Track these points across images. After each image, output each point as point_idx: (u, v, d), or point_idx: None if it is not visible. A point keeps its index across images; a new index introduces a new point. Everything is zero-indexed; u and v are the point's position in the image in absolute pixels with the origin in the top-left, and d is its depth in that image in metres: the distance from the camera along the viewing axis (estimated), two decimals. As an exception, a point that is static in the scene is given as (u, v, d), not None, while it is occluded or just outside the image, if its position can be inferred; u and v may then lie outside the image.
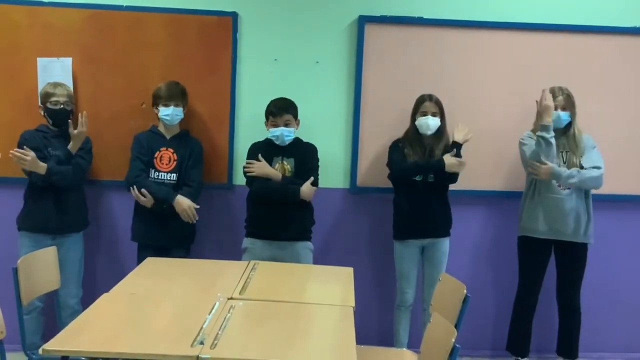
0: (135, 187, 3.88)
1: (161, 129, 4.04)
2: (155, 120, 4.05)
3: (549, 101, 3.85)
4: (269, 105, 3.91)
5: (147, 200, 3.87)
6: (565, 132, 3.98)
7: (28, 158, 3.69)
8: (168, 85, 3.97)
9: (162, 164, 3.97)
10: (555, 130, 3.90)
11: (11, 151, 3.68)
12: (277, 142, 3.88)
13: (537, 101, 3.88)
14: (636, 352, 4.55)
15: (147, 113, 4.10)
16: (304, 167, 3.93)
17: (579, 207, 3.96)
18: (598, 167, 3.94)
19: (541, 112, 3.86)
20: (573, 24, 4.26)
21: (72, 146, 3.82)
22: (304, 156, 3.96)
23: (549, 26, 4.26)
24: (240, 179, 4.20)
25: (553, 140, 3.86)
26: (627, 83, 4.33)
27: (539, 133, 3.88)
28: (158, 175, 3.96)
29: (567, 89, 3.96)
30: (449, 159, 3.91)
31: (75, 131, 3.79)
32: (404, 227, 4.06)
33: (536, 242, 4.05)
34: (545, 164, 3.86)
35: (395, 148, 4.05)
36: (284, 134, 3.86)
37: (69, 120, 3.86)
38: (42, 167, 3.74)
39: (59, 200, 3.87)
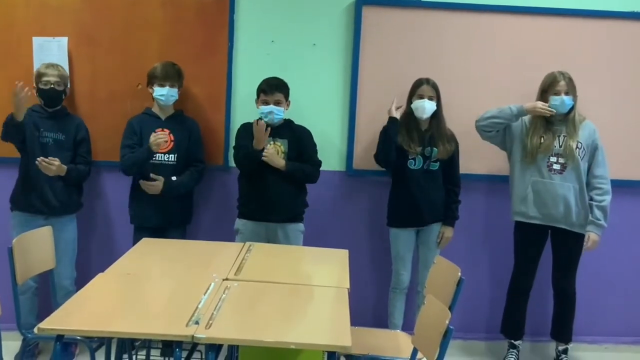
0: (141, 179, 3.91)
1: (155, 110, 4.03)
2: (150, 101, 4.04)
3: (542, 110, 3.88)
4: (261, 83, 3.90)
5: (157, 184, 3.88)
6: (565, 116, 3.98)
7: (53, 168, 3.76)
8: (164, 66, 3.95)
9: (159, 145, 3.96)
10: (556, 114, 3.93)
11: (38, 159, 3.72)
12: (265, 120, 3.86)
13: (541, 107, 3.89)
14: (628, 335, 4.58)
15: (143, 94, 4.07)
16: (303, 153, 3.92)
17: (569, 195, 3.96)
18: (606, 191, 3.98)
19: (534, 107, 3.88)
20: (573, 8, 4.25)
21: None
22: (301, 140, 3.95)
23: (549, 10, 4.24)
24: (236, 161, 4.21)
25: (502, 119, 3.94)
26: (626, 68, 4.32)
27: (514, 106, 3.92)
28: (155, 157, 3.94)
29: (567, 73, 3.95)
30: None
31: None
32: (399, 217, 4.08)
33: (531, 227, 4.05)
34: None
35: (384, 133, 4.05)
36: (274, 112, 3.84)
37: (63, 103, 3.88)
38: (64, 170, 3.82)
39: (51, 182, 3.86)
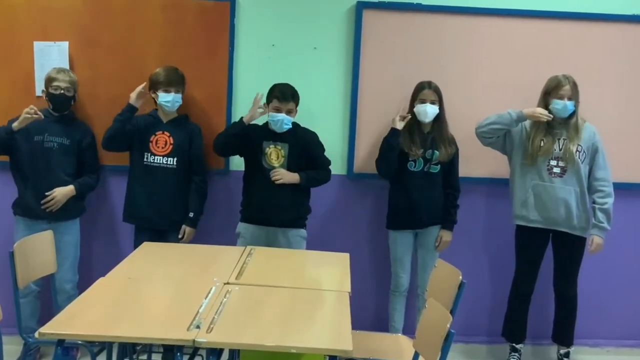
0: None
1: (160, 113, 4.03)
2: (153, 104, 4.04)
3: (541, 116, 3.86)
4: (274, 88, 3.87)
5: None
6: (566, 120, 3.97)
7: (58, 198, 3.84)
8: (167, 71, 3.95)
9: (158, 147, 3.96)
10: (557, 118, 3.93)
11: (43, 202, 3.82)
12: (274, 127, 3.86)
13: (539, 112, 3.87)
14: (630, 339, 4.58)
15: (144, 97, 4.07)
16: (312, 155, 3.93)
17: (569, 198, 3.94)
18: (608, 194, 3.95)
19: (533, 113, 3.87)
20: (573, 11, 4.25)
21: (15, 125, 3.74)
22: (307, 144, 3.95)
23: (548, 13, 4.24)
24: (236, 165, 4.21)
25: (501, 124, 3.93)
26: (627, 71, 4.32)
27: (513, 111, 3.91)
28: (154, 159, 3.96)
29: (572, 77, 3.93)
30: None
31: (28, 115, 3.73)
32: (398, 219, 4.09)
33: (533, 231, 4.05)
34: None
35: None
36: (284, 121, 3.83)
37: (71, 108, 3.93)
38: (71, 191, 3.89)
39: (52, 188, 3.86)
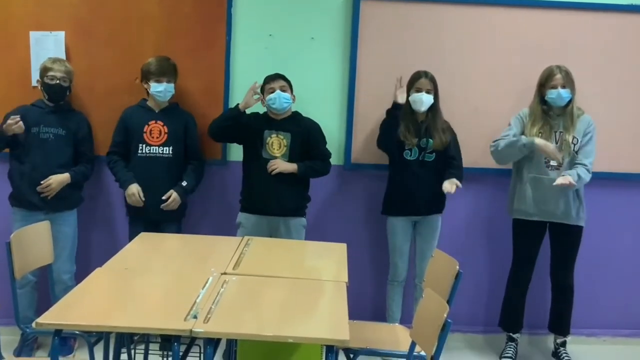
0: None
1: (150, 103, 4.02)
2: (145, 95, 4.03)
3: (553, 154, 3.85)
4: (264, 79, 3.92)
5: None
6: (563, 110, 3.97)
7: (53, 186, 3.82)
8: (158, 61, 3.94)
9: (153, 137, 3.95)
10: (554, 108, 3.94)
11: (38, 189, 3.81)
12: (274, 106, 3.86)
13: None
14: (626, 328, 4.59)
15: (140, 88, 4.05)
16: (313, 146, 3.94)
17: (567, 190, 3.94)
18: (585, 166, 3.90)
19: (545, 148, 3.85)
20: (572, 1, 4.24)
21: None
22: (309, 134, 3.95)
23: (547, 3, 4.24)
24: (234, 155, 4.20)
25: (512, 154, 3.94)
26: (623, 61, 4.32)
27: (526, 140, 3.88)
28: (150, 150, 3.95)
29: (565, 67, 3.94)
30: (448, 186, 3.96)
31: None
32: (395, 204, 4.09)
33: (530, 224, 4.05)
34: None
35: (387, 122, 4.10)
36: (281, 96, 3.84)
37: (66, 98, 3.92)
38: (66, 178, 3.86)
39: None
